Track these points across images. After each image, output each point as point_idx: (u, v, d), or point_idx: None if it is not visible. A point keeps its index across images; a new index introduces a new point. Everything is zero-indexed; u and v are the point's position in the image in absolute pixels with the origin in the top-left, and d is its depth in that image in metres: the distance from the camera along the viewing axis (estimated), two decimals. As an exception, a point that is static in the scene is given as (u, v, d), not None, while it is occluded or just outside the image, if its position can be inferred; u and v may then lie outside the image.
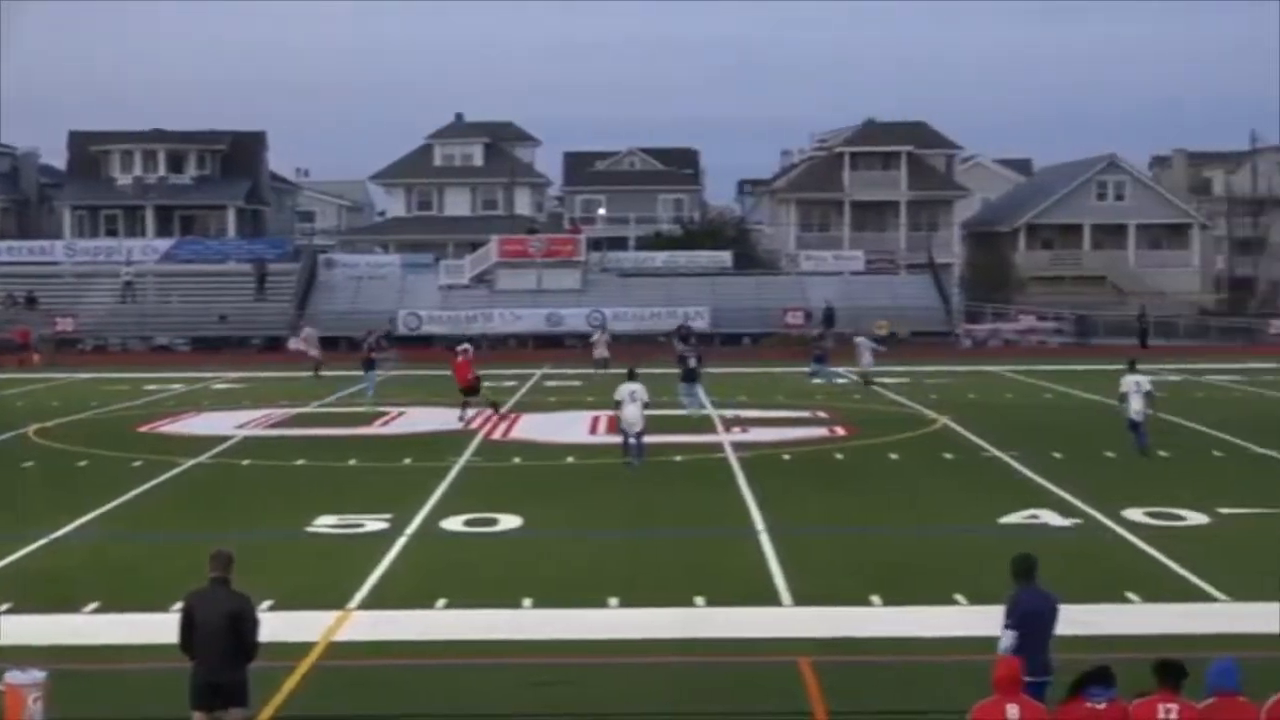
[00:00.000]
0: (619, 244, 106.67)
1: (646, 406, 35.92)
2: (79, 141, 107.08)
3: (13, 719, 14.68)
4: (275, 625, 18.53)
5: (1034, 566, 14.41)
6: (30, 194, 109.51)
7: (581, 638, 19.62)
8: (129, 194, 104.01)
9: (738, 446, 38.91)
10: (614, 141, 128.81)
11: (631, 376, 36.72)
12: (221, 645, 14.00)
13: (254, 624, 14.19)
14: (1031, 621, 14.00)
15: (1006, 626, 14.13)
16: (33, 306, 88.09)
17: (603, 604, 21.44)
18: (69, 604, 21.52)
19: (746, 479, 33.17)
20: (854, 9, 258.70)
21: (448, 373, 56.79)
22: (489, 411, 45.88)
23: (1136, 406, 36.67)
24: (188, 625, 14.18)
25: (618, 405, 35.96)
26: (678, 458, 37.08)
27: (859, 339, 59.07)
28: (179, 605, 14.58)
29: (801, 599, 21.69)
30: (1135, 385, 36.82)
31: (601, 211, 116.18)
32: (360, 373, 54.16)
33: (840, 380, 57.76)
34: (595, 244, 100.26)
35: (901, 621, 20.27)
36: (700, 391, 47.74)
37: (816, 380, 54.74)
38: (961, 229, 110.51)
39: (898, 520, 28.54)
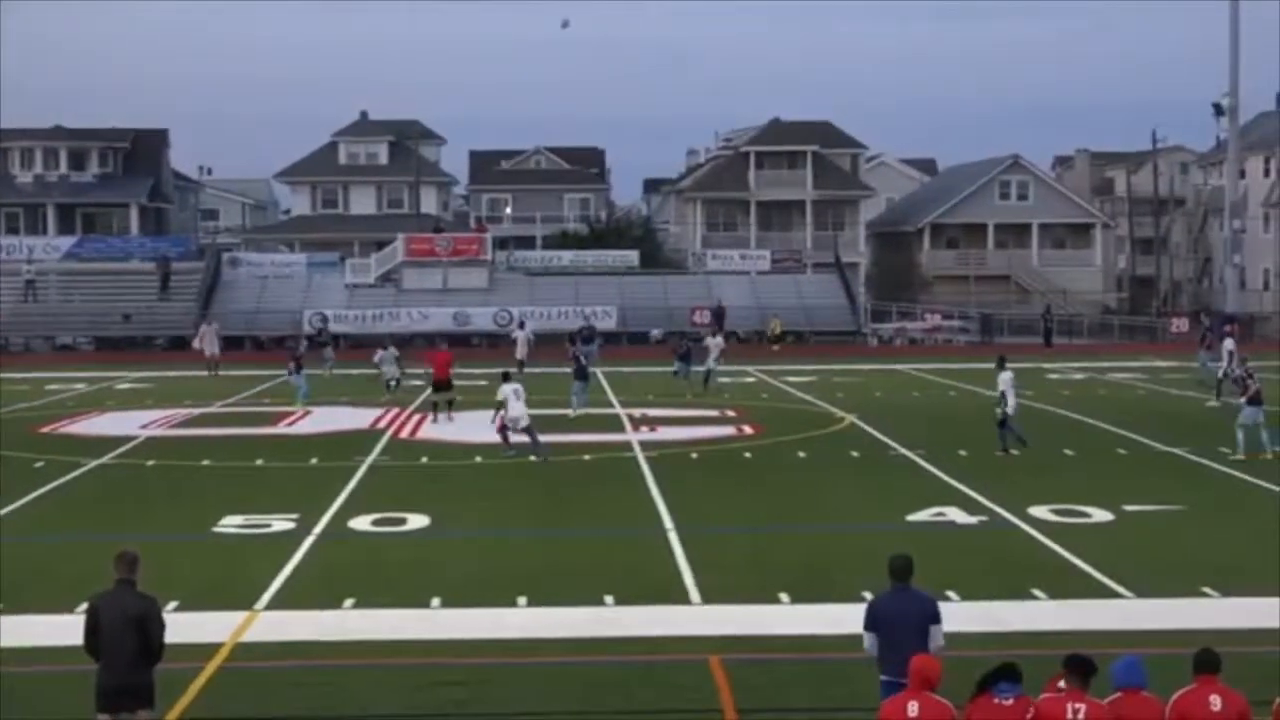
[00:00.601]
0: (526, 243, 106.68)
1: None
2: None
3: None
4: (181, 626, 18.39)
5: (906, 567, 14.36)
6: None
7: (491, 637, 19.57)
8: (30, 191, 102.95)
9: (646, 445, 38.94)
10: (520, 140, 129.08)
11: (507, 378, 37.99)
12: (127, 647, 13.83)
13: (160, 625, 14.03)
14: (891, 624, 14.00)
15: (865, 629, 14.20)
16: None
17: (512, 603, 21.40)
18: (-30, 606, 21.27)
19: (655, 478, 33.20)
20: (760, 8, 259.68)
21: (350, 371, 56.79)
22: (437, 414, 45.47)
23: (1012, 403, 37.03)
24: (92, 628, 14.01)
25: (502, 405, 36.89)
26: (586, 456, 37.09)
27: (709, 340, 58.63)
28: (84, 607, 14.42)
29: (711, 597, 21.72)
30: (1009, 382, 37.14)
31: (508, 210, 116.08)
32: (287, 374, 52.65)
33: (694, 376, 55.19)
34: (502, 243, 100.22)
35: (810, 619, 20.35)
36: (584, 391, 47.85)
37: (680, 378, 53.92)
38: (867, 228, 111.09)
39: (806, 518, 28.66)
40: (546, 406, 45.16)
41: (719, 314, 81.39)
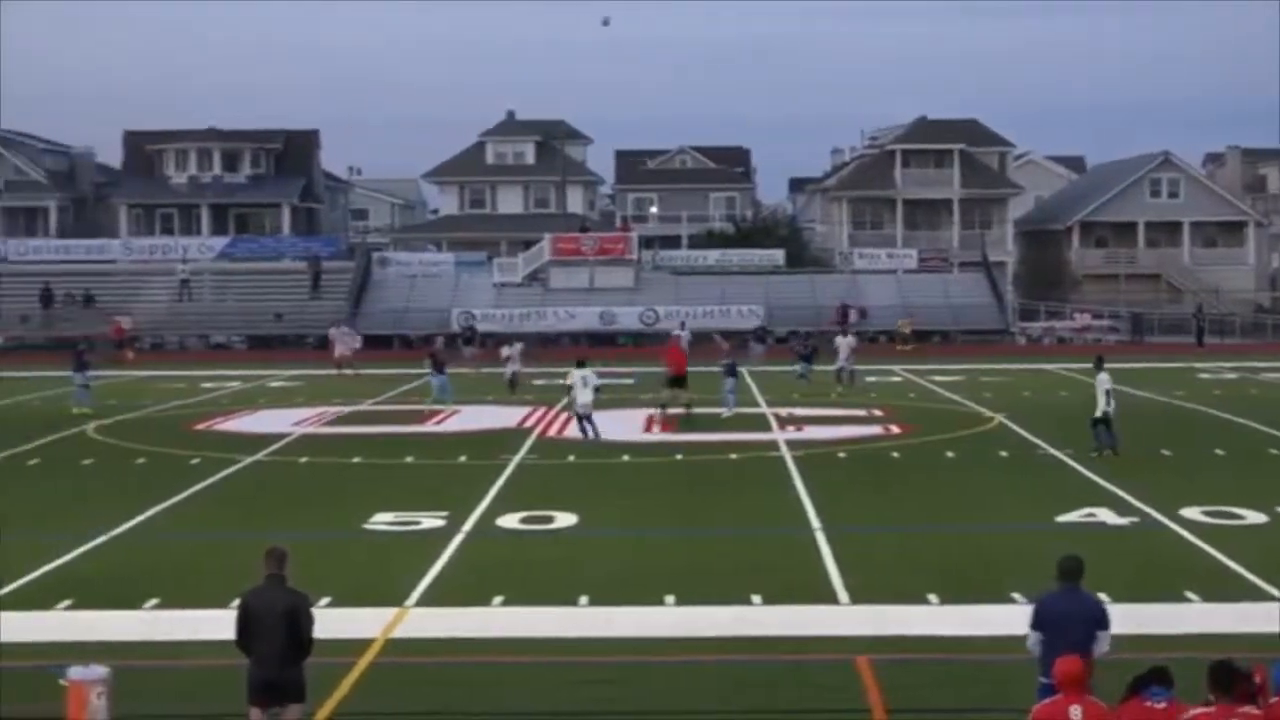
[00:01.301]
0: (671, 242, 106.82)
1: (598, 391, 40.54)
2: (135, 140, 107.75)
3: (76, 715, 14.79)
4: (334, 622, 18.66)
5: (1076, 568, 14.19)
6: (87, 193, 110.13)
7: (638, 636, 19.63)
8: (184, 192, 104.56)
9: (793, 444, 38.88)
10: (666, 140, 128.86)
11: (581, 364, 40.60)
12: (278, 642, 14.04)
13: (310, 620, 14.23)
14: (1058, 625, 13.86)
15: (1031, 627, 14.09)
16: (90, 305, 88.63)
17: (659, 602, 21.46)
18: (130, 601, 21.67)
19: (802, 477, 33.14)
20: (907, 7, 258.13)
21: (497, 370, 57.07)
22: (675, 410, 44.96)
23: (1104, 404, 36.50)
24: (244, 623, 14.24)
25: (570, 390, 40.70)
26: (733, 456, 37.10)
27: (838, 339, 58.33)
28: (238, 601, 14.65)
29: (858, 597, 21.66)
30: (1106, 383, 36.65)
31: (654, 210, 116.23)
32: (429, 374, 53.12)
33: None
34: (647, 242, 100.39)
35: (959, 620, 20.22)
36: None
37: (803, 379, 53.71)
38: (1015, 227, 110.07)
39: (954, 518, 28.50)
40: (702, 405, 45.45)
41: (845, 313, 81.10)
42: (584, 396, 40.35)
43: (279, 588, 14.29)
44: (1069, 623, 13.79)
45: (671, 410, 44.81)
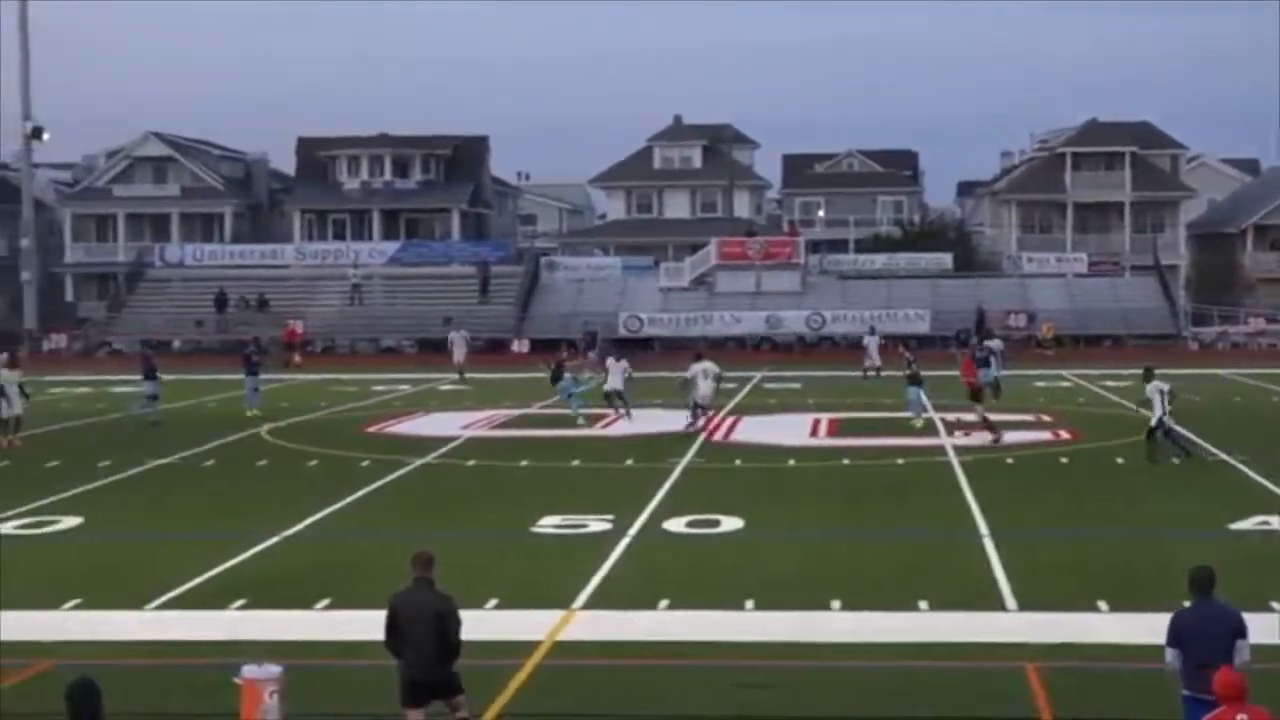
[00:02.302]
0: (838, 246, 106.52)
1: (720, 380, 42.28)
2: (308, 147, 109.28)
3: (249, 713, 15.01)
4: (501, 623, 18.85)
5: (1208, 579, 13.93)
6: (261, 198, 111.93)
7: (804, 640, 19.60)
8: (356, 198, 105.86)
9: (960, 450, 38.63)
10: (833, 143, 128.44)
11: (699, 358, 42.79)
12: (427, 645, 14.20)
13: (457, 623, 14.35)
14: (1196, 639, 13.64)
15: (1168, 644, 13.85)
16: (264, 309, 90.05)
17: (825, 606, 21.39)
18: (302, 600, 22.00)
19: (969, 482, 32.92)
20: (1077, 7, 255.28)
21: (665, 374, 57.12)
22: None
23: (1159, 411, 35.79)
24: (393, 625, 14.40)
25: (688, 382, 41.91)
26: (900, 461, 36.94)
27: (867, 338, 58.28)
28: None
29: (1027, 604, 21.45)
30: (1157, 391, 35.93)
31: (820, 214, 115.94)
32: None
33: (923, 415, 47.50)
34: (814, 246, 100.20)
35: (1130, 628, 19.92)
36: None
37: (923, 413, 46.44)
38: (1187, 230, 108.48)
39: (1125, 524, 28.16)
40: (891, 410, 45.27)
41: (980, 318, 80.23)
42: (704, 388, 42.17)
43: (427, 590, 14.45)
44: (1208, 634, 13.56)
45: (985, 424, 40.80)
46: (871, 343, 64.43)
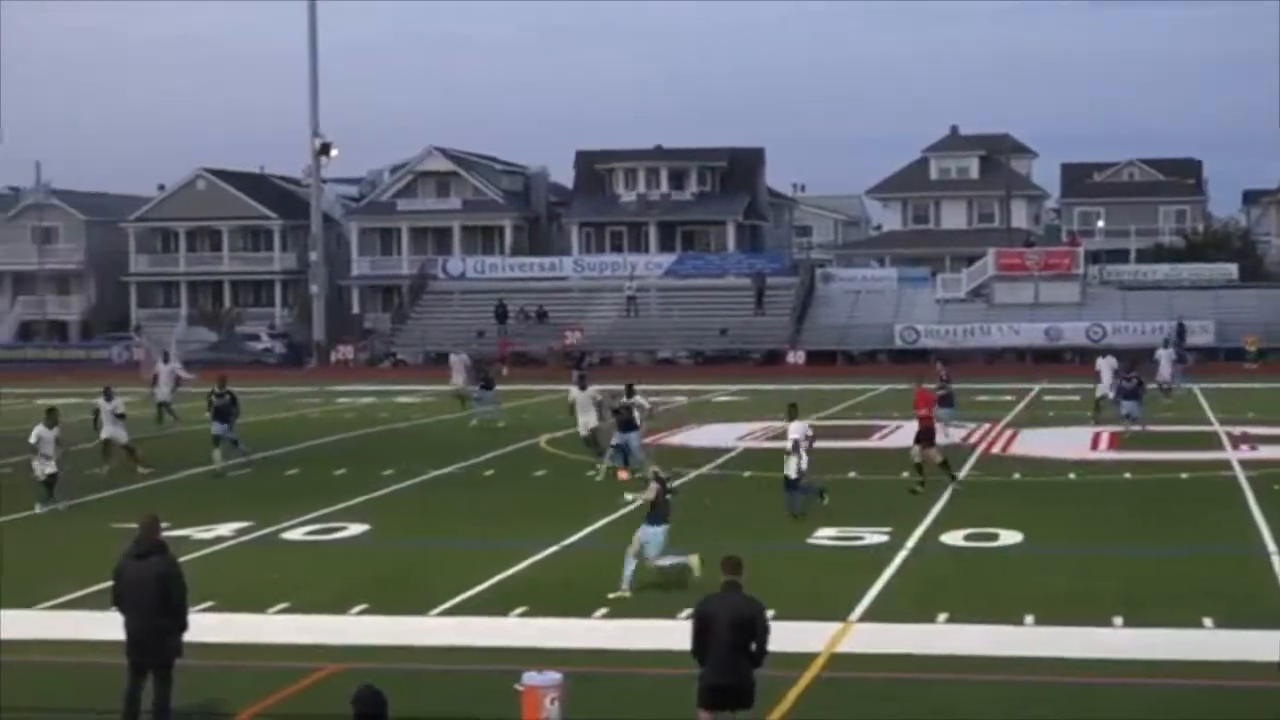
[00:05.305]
0: (1118, 256, 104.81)
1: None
2: (585, 160, 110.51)
3: (530, 719, 15.29)
4: (778, 634, 18.78)
5: None
6: (540, 212, 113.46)
7: (1084, 656, 19.32)
8: (633, 210, 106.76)
9: (1247, 464, 37.73)
10: (1113, 153, 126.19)
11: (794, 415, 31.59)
12: (732, 648, 14.27)
13: (765, 630, 14.44)
14: None
15: None
16: (543, 320, 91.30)
17: (1106, 622, 21.08)
18: (581, 609, 22.27)
19: (1256, 498, 32.15)
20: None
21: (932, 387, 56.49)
22: None
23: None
24: (701, 630, 14.43)
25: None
26: (1183, 475, 36.20)
27: (1159, 352, 57.08)
28: (687, 613, 14.90)
29: (1317, 623, 20.91)
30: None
31: (1100, 224, 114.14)
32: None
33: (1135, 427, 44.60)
34: (1094, 256, 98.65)
35: None
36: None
37: (1134, 425, 44.03)
38: None
39: None
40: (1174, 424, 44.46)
41: (1180, 331, 78.21)
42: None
43: (736, 595, 14.55)
44: None
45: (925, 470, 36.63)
46: (1164, 356, 62.93)
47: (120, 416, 39.05)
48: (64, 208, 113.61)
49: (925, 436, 34.44)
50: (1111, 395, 46.42)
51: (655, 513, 23.64)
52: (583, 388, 39.67)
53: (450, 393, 57.22)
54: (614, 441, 36.99)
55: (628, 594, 22.88)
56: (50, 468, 32.42)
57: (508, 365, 79.18)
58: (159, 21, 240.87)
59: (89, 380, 68.84)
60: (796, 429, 30.71)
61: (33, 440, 32.78)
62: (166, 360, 55.02)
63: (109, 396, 39.08)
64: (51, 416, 33.04)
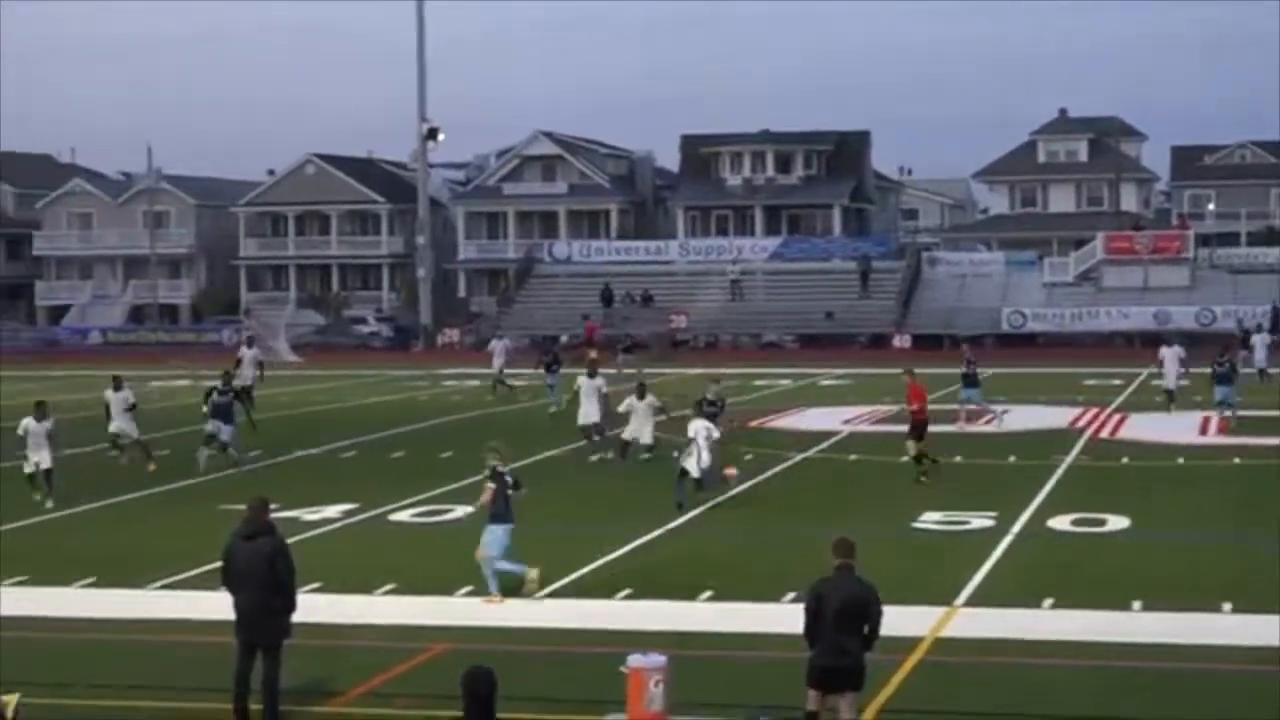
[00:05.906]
0: (1229, 240, 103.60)
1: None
2: (691, 144, 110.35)
3: (635, 700, 15.37)
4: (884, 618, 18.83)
5: None
6: (646, 195, 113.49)
7: (1192, 643, 19.21)
8: (738, 194, 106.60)
9: (1358, 450, 37.26)
10: (1225, 135, 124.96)
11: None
12: (846, 630, 14.35)
13: (878, 612, 14.52)
14: None
15: None
16: (649, 304, 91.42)
17: (1215, 609, 20.93)
18: (685, 592, 22.34)
19: (1369, 484, 31.77)
20: None
21: (1048, 370, 56.36)
22: None
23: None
24: (815, 611, 14.47)
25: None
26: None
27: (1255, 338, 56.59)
28: (791, 596, 14.91)
29: None
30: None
31: (1210, 207, 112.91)
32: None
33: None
34: (1204, 240, 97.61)
35: None
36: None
37: (1226, 411, 42.28)
38: None
39: None
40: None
41: (1276, 317, 77.08)
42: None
43: (849, 577, 14.60)
44: None
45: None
46: (1259, 341, 62.04)
47: (131, 407, 37.53)
48: (175, 192, 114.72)
49: (917, 430, 33.83)
50: (1173, 388, 46.19)
51: (495, 511, 22.24)
52: (641, 396, 36.44)
53: (491, 377, 57.15)
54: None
55: (498, 598, 21.79)
56: (46, 462, 31.40)
57: (596, 349, 78.43)
58: (272, 8, 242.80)
59: (201, 363, 69.66)
60: (699, 426, 30.29)
61: (20, 433, 31.81)
62: (250, 345, 55.07)
63: (118, 386, 37.41)
64: (41, 409, 31.89)
